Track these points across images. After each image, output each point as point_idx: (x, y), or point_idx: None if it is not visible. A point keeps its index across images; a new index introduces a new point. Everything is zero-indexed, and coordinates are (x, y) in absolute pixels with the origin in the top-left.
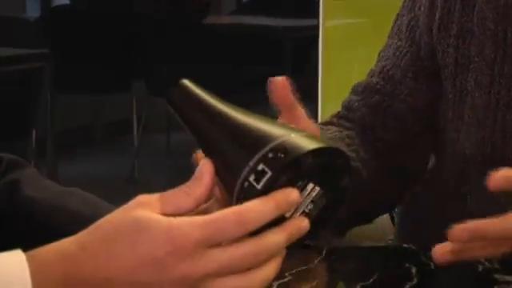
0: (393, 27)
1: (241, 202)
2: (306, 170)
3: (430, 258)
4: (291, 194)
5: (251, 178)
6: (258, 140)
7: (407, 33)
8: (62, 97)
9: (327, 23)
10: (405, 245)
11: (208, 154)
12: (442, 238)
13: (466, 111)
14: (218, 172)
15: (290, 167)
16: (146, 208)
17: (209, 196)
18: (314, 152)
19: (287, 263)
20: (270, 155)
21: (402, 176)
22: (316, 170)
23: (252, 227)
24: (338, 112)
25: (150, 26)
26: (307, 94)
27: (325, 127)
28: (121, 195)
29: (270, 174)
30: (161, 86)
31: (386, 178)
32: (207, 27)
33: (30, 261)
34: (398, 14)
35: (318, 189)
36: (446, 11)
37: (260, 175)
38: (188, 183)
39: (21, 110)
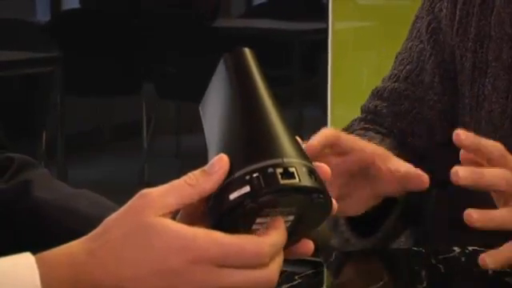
0: (411, 30)
1: (211, 203)
2: (286, 200)
3: (440, 261)
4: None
5: (234, 186)
6: (258, 150)
7: (428, 35)
8: (72, 99)
9: (336, 26)
10: (414, 248)
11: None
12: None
13: (484, 116)
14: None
15: (272, 194)
16: (152, 208)
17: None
18: (296, 189)
19: (297, 266)
20: (255, 175)
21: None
22: (295, 203)
23: (267, 261)
24: (366, 115)
25: (160, 29)
26: (317, 97)
27: (366, 134)
28: (130, 198)
29: (248, 190)
30: (170, 89)
31: None
32: (217, 30)
33: (39, 264)
34: (416, 16)
35: (291, 217)
36: (464, 14)
37: (240, 186)
38: (196, 174)
39: (31, 112)
